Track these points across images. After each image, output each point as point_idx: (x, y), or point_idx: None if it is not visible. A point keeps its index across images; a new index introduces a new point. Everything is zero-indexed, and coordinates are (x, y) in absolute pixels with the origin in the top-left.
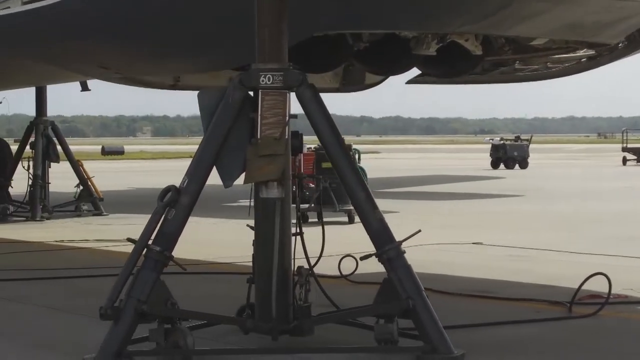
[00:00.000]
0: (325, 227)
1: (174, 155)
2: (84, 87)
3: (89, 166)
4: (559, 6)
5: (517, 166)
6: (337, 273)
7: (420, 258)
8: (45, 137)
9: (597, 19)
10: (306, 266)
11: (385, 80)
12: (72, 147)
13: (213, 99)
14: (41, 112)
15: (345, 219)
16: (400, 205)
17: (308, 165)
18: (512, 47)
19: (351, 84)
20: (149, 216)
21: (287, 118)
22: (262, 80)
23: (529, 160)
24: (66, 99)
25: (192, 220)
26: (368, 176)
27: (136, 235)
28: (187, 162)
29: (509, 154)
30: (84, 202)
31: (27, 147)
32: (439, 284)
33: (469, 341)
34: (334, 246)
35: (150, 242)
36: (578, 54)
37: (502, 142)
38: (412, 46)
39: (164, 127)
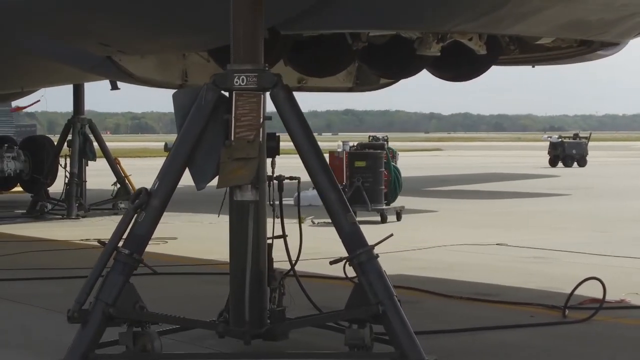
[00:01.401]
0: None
1: None
2: (114, 86)
3: (126, 163)
4: (558, 4)
5: (575, 164)
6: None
7: (438, 259)
8: (82, 135)
9: (601, 16)
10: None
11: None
12: (140, 144)
13: (188, 99)
14: (78, 109)
15: (378, 218)
16: (442, 204)
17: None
18: (519, 47)
19: (365, 83)
20: (185, 214)
21: (262, 120)
22: (236, 82)
23: (588, 158)
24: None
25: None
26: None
27: (169, 233)
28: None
29: (567, 152)
30: (121, 200)
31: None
32: (443, 287)
33: (448, 347)
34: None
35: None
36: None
37: (560, 140)
38: (416, 47)
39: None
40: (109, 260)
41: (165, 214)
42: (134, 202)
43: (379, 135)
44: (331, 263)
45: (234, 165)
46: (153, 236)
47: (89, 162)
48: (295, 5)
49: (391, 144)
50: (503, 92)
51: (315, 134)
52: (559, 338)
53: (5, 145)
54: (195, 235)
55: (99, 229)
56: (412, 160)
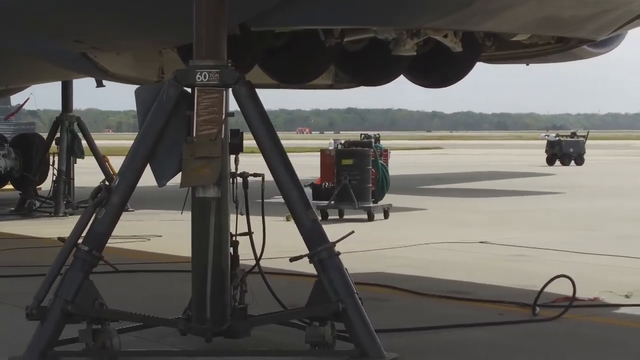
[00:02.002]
0: (345, 224)
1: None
2: (99, 84)
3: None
4: (529, 1)
5: (573, 162)
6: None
7: (419, 257)
8: (70, 132)
9: (573, 13)
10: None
11: None
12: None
13: (150, 95)
14: (67, 107)
15: (365, 216)
16: (433, 202)
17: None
18: (495, 43)
19: (344, 81)
20: (176, 212)
21: (224, 116)
22: (198, 78)
23: (585, 156)
24: None
25: None
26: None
27: (153, 231)
28: (253, 158)
29: (564, 150)
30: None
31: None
32: (419, 285)
33: (411, 344)
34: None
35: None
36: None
37: (557, 138)
38: (392, 47)
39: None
40: (70, 258)
41: (152, 211)
42: (94, 199)
43: (371, 133)
44: (291, 260)
45: (197, 164)
46: (137, 233)
47: (78, 159)
48: (264, 1)
49: (391, 142)
50: (505, 90)
51: (316, 132)
52: (525, 336)
53: None
54: (181, 233)
55: None
56: (410, 158)
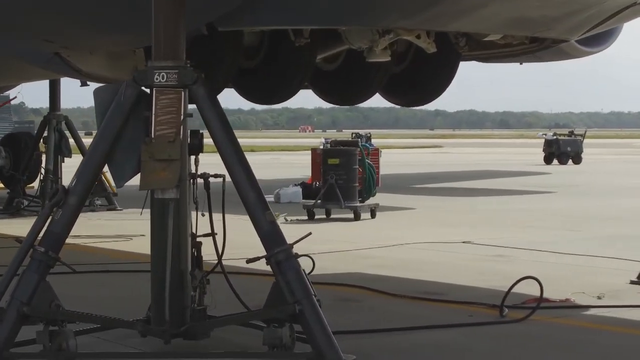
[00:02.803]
0: (331, 223)
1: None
2: (83, 83)
3: None
4: (496, 1)
5: (570, 161)
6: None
7: (398, 257)
8: (57, 131)
9: (542, 13)
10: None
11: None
12: None
13: (108, 96)
14: (55, 106)
15: (351, 215)
16: (423, 201)
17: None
18: (468, 44)
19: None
20: None
21: (182, 117)
22: (156, 78)
23: (584, 155)
24: None
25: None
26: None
27: (138, 231)
28: (250, 157)
29: (562, 149)
30: (97, 196)
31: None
32: (394, 285)
33: (372, 346)
34: (329, 244)
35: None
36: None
37: (555, 137)
38: (366, 55)
39: (238, 120)
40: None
41: (140, 210)
42: (51, 200)
43: (362, 132)
44: (248, 262)
45: (156, 166)
46: (118, 233)
47: (65, 158)
48: (231, 1)
49: (392, 141)
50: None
51: (319, 131)
52: (490, 338)
53: None
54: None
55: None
56: (408, 157)
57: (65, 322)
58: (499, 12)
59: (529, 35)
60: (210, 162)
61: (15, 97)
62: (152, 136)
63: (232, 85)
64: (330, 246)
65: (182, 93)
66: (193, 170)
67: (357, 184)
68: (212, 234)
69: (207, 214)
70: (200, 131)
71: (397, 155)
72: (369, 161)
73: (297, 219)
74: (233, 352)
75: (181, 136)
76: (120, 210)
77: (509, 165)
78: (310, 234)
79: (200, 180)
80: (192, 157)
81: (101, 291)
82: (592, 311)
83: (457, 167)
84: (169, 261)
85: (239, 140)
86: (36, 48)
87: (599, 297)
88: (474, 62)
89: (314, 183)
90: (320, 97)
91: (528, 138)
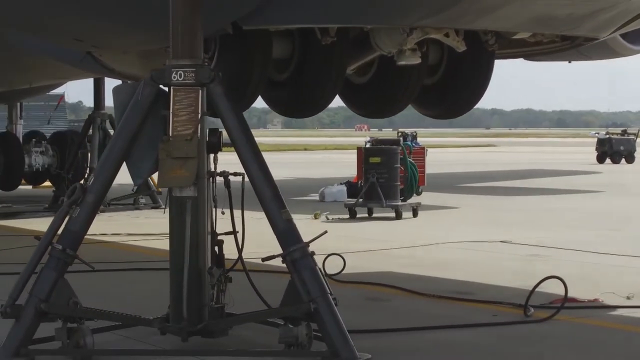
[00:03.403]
0: (372, 222)
1: (289, 148)
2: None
3: None
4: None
5: (623, 160)
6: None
7: (434, 256)
8: (102, 130)
9: (569, 11)
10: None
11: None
12: None
13: (127, 94)
14: (99, 105)
15: (393, 214)
16: (468, 200)
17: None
18: (498, 42)
19: None
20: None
21: (200, 115)
22: (174, 77)
23: (637, 154)
24: None
25: (254, 216)
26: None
27: None
28: (303, 155)
29: (614, 148)
30: (142, 195)
31: None
32: (425, 285)
33: (389, 345)
34: (366, 243)
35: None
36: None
37: (607, 136)
38: (396, 58)
39: (294, 119)
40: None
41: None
42: (69, 198)
43: (408, 130)
44: (263, 260)
45: (173, 164)
46: (149, 231)
47: None
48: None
49: (446, 140)
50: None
51: (375, 129)
52: (511, 338)
53: (34, 140)
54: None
55: (111, 224)
56: (460, 156)
57: (83, 319)
58: (523, 10)
59: (556, 34)
60: (231, 161)
61: (64, 93)
62: (170, 134)
63: (263, 98)
64: (367, 245)
65: (200, 91)
66: (213, 169)
67: (399, 183)
68: (234, 232)
69: (227, 212)
70: (220, 130)
71: (449, 154)
72: (411, 160)
73: (338, 218)
74: (247, 350)
75: (199, 134)
76: (165, 208)
77: (560, 165)
78: (326, 232)
79: (221, 179)
80: (212, 156)
81: (127, 288)
82: (619, 311)
83: (508, 167)
84: (187, 259)
85: (294, 139)
86: (68, 47)
87: (628, 298)
88: (530, 63)
89: (359, 182)
90: (351, 109)
91: (584, 137)
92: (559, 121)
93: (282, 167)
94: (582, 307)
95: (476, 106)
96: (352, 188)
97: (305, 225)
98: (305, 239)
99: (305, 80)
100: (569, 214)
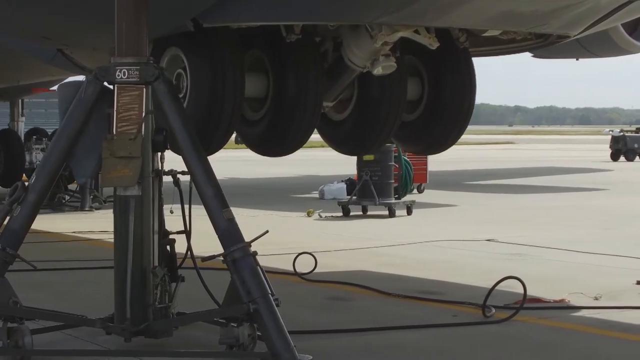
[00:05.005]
0: (363, 220)
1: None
2: None
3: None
4: None
5: (637, 158)
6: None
7: (414, 256)
8: None
9: (533, 8)
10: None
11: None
12: None
13: (71, 92)
14: None
15: (386, 212)
16: (468, 198)
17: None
18: (469, 40)
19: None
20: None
21: (143, 114)
22: (118, 75)
23: None
24: None
25: (249, 213)
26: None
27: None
28: (305, 152)
29: (629, 146)
30: None
31: None
32: (396, 284)
33: (332, 347)
34: (350, 241)
35: None
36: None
37: (622, 133)
38: (371, 69)
39: None
40: None
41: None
42: (11, 197)
43: None
44: (203, 260)
45: (117, 163)
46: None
47: None
48: None
49: (466, 137)
50: (589, 85)
51: None
52: (460, 338)
53: (34, 137)
54: (206, 229)
55: (103, 221)
56: (475, 153)
57: (23, 319)
58: (486, 7)
59: (525, 31)
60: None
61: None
62: (114, 133)
63: (238, 133)
64: (350, 243)
65: (143, 90)
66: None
67: (393, 181)
68: (186, 231)
69: (174, 211)
70: (165, 128)
71: (464, 151)
72: (405, 157)
73: (332, 216)
74: (186, 351)
75: (143, 133)
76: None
77: (574, 162)
78: (267, 232)
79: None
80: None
81: (88, 288)
82: (582, 312)
83: (521, 164)
84: (130, 259)
85: None
86: (41, 45)
87: (595, 298)
88: (554, 60)
89: None
90: (330, 146)
91: (605, 134)
92: (583, 118)
93: (284, 164)
94: (545, 307)
95: (499, 103)
96: (352, 186)
97: (296, 222)
98: (295, 236)
99: (280, 119)
100: (567, 211)
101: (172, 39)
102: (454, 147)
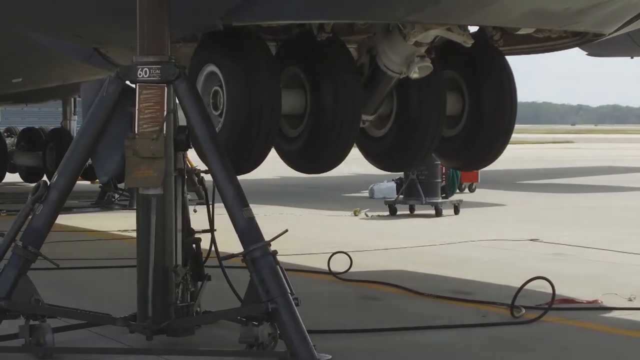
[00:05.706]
0: (408, 220)
1: None
2: None
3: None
4: None
5: None
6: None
7: (454, 255)
8: None
9: (566, 6)
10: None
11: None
12: None
13: (94, 91)
14: None
15: (433, 211)
16: (519, 197)
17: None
18: (503, 38)
19: None
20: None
21: (165, 113)
22: (140, 74)
23: None
24: None
25: (296, 212)
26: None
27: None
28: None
29: None
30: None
31: None
32: (430, 284)
33: (353, 347)
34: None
35: None
36: None
37: None
38: (408, 73)
39: None
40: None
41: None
42: (33, 195)
43: None
44: (222, 259)
45: (140, 163)
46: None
47: None
48: None
49: (525, 136)
50: None
51: None
52: (486, 339)
53: None
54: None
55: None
56: (533, 152)
57: (45, 316)
58: (516, 5)
59: (558, 29)
60: None
61: None
62: (136, 132)
63: (276, 150)
64: (391, 243)
65: (165, 89)
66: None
67: (440, 180)
68: (211, 230)
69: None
70: (187, 127)
71: (522, 150)
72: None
73: (378, 215)
74: (205, 350)
75: (164, 132)
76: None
77: (631, 162)
78: (286, 230)
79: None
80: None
81: (112, 286)
82: (614, 313)
83: (578, 163)
84: (152, 258)
85: None
86: (77, 45)
87: (629, 299)
88: (618, 58)
89: None
90: (369, 162)
91: None
92: None
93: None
94: (576, 308)
95: (561, 102)
96: (402, 185)
97: (342, 221)
98: (338, 235)
99: (316, 137)
100: (614, 211)
101: (210, 56)
102: (513, 146)
